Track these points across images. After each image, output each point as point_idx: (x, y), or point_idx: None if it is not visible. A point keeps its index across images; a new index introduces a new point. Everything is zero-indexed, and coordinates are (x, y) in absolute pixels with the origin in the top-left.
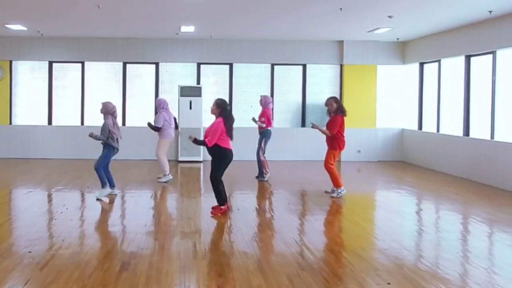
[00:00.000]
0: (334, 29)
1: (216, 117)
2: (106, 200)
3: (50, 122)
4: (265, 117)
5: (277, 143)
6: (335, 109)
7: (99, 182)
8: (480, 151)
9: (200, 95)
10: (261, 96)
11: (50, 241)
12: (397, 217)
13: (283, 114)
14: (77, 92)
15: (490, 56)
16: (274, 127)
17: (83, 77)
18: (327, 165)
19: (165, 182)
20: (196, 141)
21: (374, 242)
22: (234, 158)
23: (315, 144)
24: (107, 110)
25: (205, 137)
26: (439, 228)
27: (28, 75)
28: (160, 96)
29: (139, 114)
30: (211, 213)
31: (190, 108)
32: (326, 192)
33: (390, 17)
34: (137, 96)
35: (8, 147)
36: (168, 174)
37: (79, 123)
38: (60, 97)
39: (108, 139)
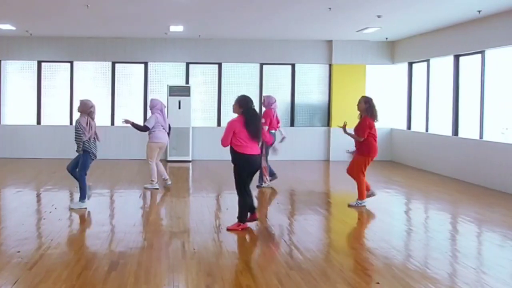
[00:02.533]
0: (323, 28)
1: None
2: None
3: (39, 121)
4: (267, 119)
5: None
6: (364, 109)
7: (89, 183)
8: (469, 150)
9: (189, 95)
10: (263, 96)
11: (39, 241)
12: (386, 216)
13: None
14: (66, 91)
15: (479, 55)
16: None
17: (72, 77)
18: (354, 172)
19: (150, 189)
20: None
21: (363, 241)
22: (224, 157)
23: (304, 144)
24: (85, 109)
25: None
26: (428, 228)
27: (17, 75)
28: (152, 96)
29: (128, 114)
30: (228, 228)
31: (179, 107)
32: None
33: (379, 16)
34: (126, 95)
35: None
36: (156, 183)
37: (68, 123)
38: (49, 97)
39: (84, 143)
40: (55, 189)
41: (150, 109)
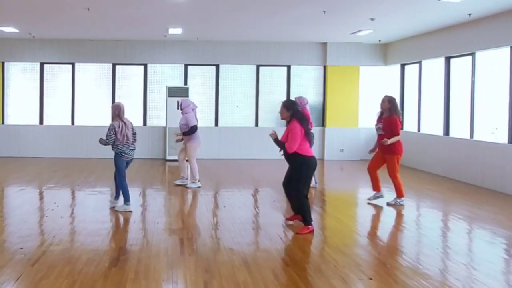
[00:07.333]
0: (317, 31)
1: (288, 121)
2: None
3: (41, 121)
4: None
5: (262, 141)
6: (388, 109)
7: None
8: (460, 150)
9: (187, 96)
10: (295, 98)
11: (41, 238)
12: (379, 214)
13: (268, 114)
14: (67, 92)
15: (470, 57)
16: (261, 127)
17: (74, 78)
18: (394, 175)
19: (194, 187)
20: (276, 141)
21: (357, 238)
22: (221, 156)
23: None
24: (113, 111)
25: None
26: (420, 225)
27: (20, 76)
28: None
29: (127, 114)
30: (297, 233)
31: (178, 108)
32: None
33: (372, 19)
34: (126, 96)
35: (0, 146)
36: (198, 181)
37: (69, 123)
38: (51, 98)
39: (114, 142)
40: (57, 187)
41: (182, 109)
